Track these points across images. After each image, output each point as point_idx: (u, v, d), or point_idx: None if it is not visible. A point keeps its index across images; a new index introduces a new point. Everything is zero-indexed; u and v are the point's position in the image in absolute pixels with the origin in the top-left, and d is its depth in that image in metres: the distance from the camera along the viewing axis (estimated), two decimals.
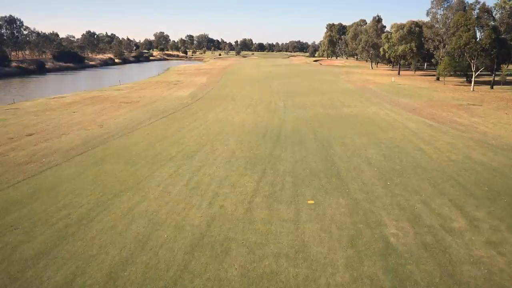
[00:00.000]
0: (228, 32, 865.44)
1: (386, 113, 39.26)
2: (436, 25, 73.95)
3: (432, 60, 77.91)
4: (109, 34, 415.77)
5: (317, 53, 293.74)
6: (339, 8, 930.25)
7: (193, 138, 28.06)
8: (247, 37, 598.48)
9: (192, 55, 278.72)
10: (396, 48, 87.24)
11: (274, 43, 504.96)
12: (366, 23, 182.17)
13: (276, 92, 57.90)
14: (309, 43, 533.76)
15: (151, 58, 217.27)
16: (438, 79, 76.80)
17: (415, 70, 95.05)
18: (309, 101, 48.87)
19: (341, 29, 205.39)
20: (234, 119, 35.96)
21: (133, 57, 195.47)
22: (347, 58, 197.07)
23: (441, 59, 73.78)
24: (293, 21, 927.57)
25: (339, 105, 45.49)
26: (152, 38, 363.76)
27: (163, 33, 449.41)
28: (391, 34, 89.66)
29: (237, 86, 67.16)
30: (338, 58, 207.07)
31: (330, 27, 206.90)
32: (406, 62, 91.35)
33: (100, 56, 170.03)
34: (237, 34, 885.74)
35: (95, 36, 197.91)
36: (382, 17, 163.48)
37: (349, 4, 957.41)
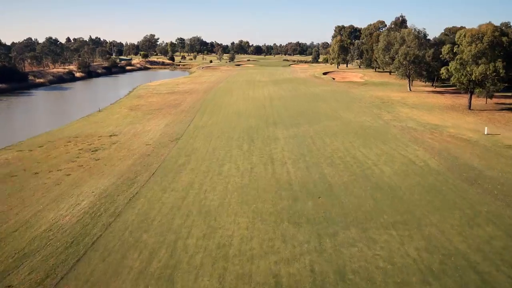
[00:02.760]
0: (224, 33, 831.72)
1: None
2: None
3: None
4: (93, 38, 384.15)
5: (320, 57, 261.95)
6: (342, 7, 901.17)
7: None
8: (244, 38, 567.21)
9: (180, 62, 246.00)
10: (470, 69, 54.74)
11: (272, 45, 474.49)
12: (386, 25, 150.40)
13: (287, 197, 25.45)
14: (308, 43, 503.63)
15: (128, 68, 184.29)
16: None
17: (487, 98, 62.83)
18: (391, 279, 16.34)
19: (353, 32, 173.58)
20: None
21: (104, 68, 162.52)
22: (360, 67, 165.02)
23: None
24: (292, 21, 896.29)
25: None
26: (142, 41, 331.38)
27: (154, 35, 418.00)
28: (458, 47, 57.12)
29: (208, 158, 34.70)
30: (348, 66, 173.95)
31: (340, 30, 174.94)
32: (479, 90, 58.78)
33: (58, 69, 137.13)
34: (234, 35, 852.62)
35: (58, 43, 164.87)
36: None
37: (352, 3, 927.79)
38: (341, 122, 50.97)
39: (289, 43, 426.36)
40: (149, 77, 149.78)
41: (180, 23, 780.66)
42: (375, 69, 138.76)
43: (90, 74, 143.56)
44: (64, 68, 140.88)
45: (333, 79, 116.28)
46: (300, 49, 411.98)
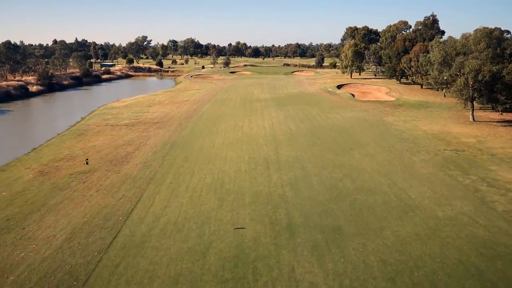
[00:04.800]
0: (221, 35, 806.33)
1: None
2: None
3: None
4: (79, 40, 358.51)
5: (325, 61, 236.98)
6: (343, 6, 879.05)
7: None
8: (241, 40, 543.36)
9: (169, 67, 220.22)
10: None
11: (271, 46, 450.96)
12: (410, 26, 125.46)
13: None
14: (307, 44, 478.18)
15: (104, 77, 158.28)
16: None
17: None
18: None
19: (368, 34, 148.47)
20: None
21: (73, 78, 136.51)
22: (375, 75, 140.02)
23: None
24: (291, 22, 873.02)
25: None
26: (129, 43, 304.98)
27: (146, 37, 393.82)
28: None
29: None
30: (361, 73, 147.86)
31: (352, 31, 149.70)
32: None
33: (9, 82, 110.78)
34: (231, 36, 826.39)
35: (19, 49, 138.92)
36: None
37: (354, 2, 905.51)
38: (422, 221, 25.57)
39: (289, 45, 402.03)
40: (124, 90, 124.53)
41: (175, 25, 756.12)
42: (400, 80, 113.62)
43: (51, 87, 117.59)
44: (19, 81, 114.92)
45: (353, 95, 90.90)
46: (300, 51, 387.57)
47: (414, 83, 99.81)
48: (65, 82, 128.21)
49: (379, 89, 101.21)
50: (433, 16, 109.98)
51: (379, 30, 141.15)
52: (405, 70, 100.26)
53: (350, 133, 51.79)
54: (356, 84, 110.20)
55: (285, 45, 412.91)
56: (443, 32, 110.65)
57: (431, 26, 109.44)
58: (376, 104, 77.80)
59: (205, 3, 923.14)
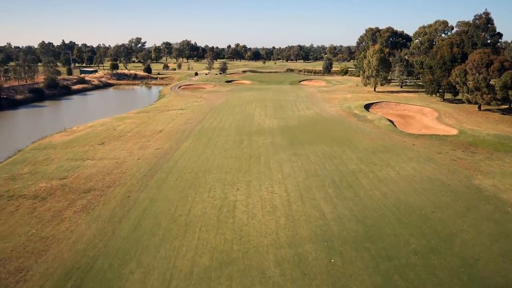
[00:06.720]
0: (219, 35, 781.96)
1: None
2: None
3: None
4: (65, 42, 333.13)
5: (333, 66, 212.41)
6: (344, 4, 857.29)
7: None
8: (241, 41, 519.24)
9: (159, 74, 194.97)
10: None
11: (271, 48, 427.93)
12: (452, 27, 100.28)
13: None
14: (307, 45, 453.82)
15: (76, 87, 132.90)
16: None
17: None
18: None
19: (392, 37, 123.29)
20: None
21: (32, 90, 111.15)
22: (401, 87, 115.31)
23: None
24: (291, 21, 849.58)
25: None
26: (115, 46, 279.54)
27: (140, 39, 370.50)
28: None
29: None
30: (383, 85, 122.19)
31: (373, 34, 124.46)
32: None
33: None
34: (230, 37, 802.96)
35: None
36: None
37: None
38: None
39: (291, 47, 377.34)
40: (90, 108, 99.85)
41: (172, 26, 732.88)
42: (443, 97, 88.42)
43: None
44: None
45: (392, 123, 65.63)
46: (303, 54, 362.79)
47: (470, 102, 74.72)
48: (19, 97, 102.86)
49: (422, 111, 75.95)
50: (487, 14, 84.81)
51: (414, 33, 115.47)
52: (457, 85, 75.31)
53: (442, 234, 26.44)
54: (388, 103, 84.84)
55: (287, 47, 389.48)
56: (500, 35, 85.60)
57: (484, 27, 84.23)
58: (436, 142, 52.51)
59: (205, 3, 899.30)
